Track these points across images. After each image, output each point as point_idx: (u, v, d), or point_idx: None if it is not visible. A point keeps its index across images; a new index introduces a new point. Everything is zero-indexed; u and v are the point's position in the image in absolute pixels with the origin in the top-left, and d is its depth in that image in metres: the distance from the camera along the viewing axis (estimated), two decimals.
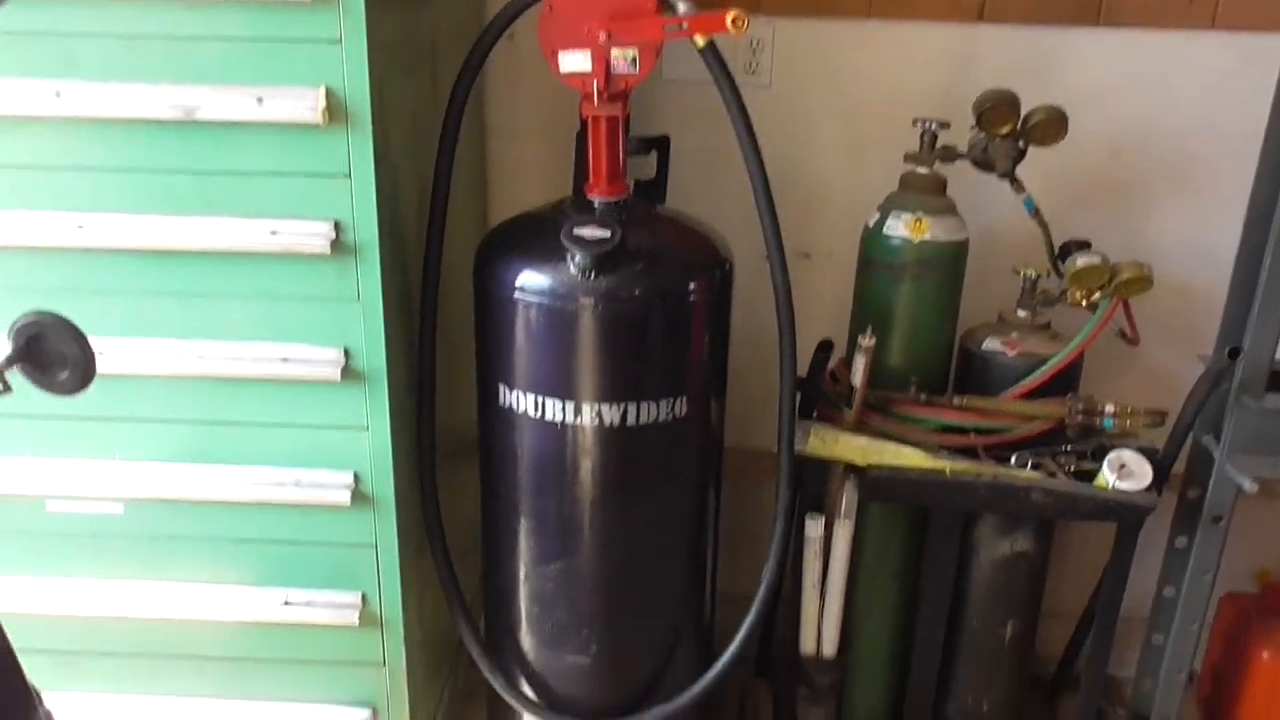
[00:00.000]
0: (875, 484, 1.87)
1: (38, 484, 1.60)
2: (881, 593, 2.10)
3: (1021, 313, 1.97)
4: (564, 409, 1.55)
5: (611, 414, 1.55)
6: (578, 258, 1.49)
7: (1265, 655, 2.10)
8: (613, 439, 1.57)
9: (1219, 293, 1.89)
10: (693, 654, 1.80)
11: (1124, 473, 1.81)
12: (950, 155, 1.89)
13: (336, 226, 1.46)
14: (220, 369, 1.54)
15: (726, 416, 1.78)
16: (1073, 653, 2.31)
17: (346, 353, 1.53)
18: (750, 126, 1.58)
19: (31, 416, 1.59)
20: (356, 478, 1.59)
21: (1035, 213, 1.87)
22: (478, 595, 2.00)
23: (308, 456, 1.59)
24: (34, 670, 1.08)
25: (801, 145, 2.14)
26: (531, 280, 1.53)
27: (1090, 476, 1.85)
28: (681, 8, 1.49)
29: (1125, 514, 1.85)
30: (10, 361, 1.04)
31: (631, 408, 1.55)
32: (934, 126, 1.86)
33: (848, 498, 1.92)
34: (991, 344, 1.95)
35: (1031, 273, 1.93)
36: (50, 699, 1.11)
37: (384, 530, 1.62)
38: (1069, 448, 1.88)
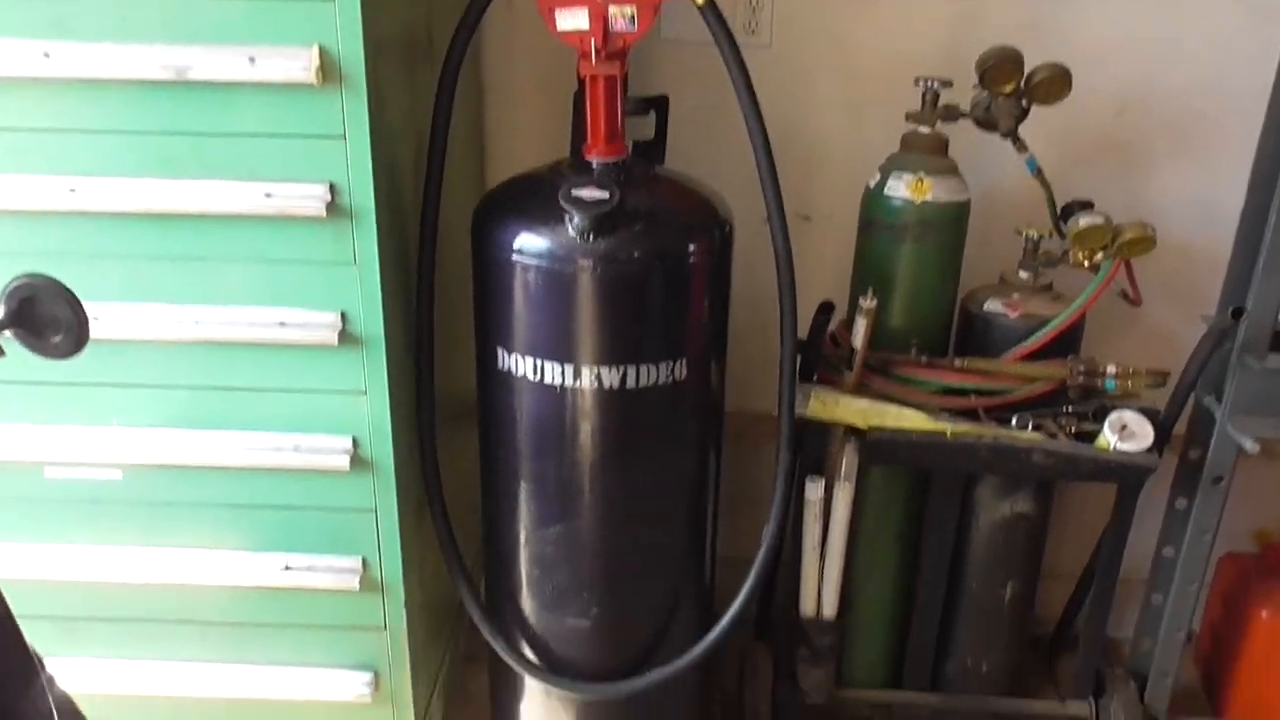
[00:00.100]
0: (876, 447, 1.87)
1: (35, 450, 1.60)
2: (881, 555, 2.10)
3: (1023, 274, 1.96)
4: (563, 372, 1.54)
5: (611, 377, 1.54)
6: (576, 219, 1.47)
7: (1264, 614, 2.11)
8: (612, 402, 1.56)
9: (1222, 253, 1.88)
10: (693, 616, 1.81)
11: (1125, 434, 1.81)
12: (952, 114, 1.87)
13: (332, 189, 1.44)
14: (217, 334, 1.52)
15: (726, 380, 1.77)
16: (1072, 613, 2.32)
17: (344, 316, 1.51)
18: (750, 87, 1.56)
19: (27, 382, 1.58)
20: (355, 442, 1.58)
21: (1038, 172, 1.85)
22: (478, 559, 2.00)
23: (306, 421, 1.58)
24: (36, 636, 1.08)
25: (802, 105, 2.12)
26: (529, 242, 1.52)
27: (1091, 438, 1.85)
28: None
29: (1126, 475, 1.85)
30: (2, 325, 1.02)
31: (631, 370, 1.54)
32: (936, 85, 1.84)
33: (848, 460, 1.92)
34: (993, 305, 1.94)
35: (1034, 233, 1.92)
36: (52, 664, 1.11)
37: (383, 495, 1.62)
38: (1070, 409, 1.88)
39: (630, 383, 1.54)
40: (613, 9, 1.50)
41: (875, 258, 1.92)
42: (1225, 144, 2.05)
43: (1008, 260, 1.99)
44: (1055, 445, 1.84)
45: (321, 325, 1.51)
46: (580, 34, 1.52)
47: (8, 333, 1.04)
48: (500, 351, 1.59)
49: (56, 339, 1.03)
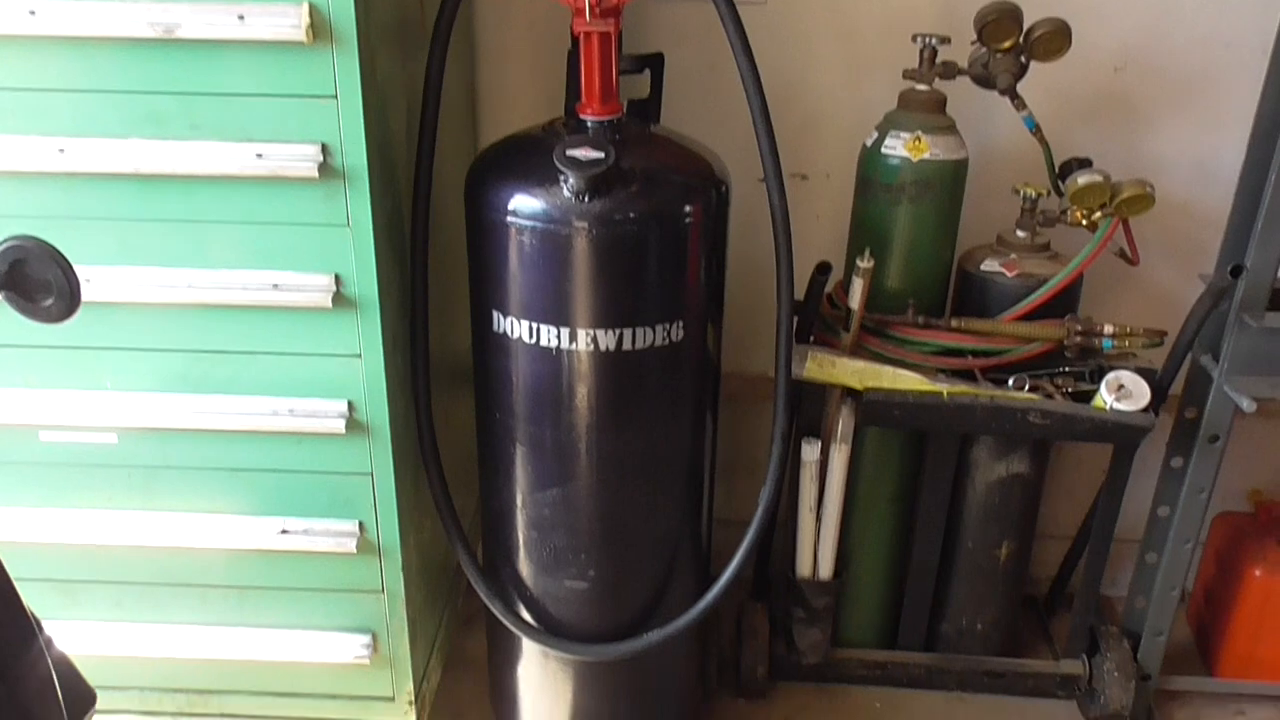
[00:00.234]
0: (872, 408, 1.87)
1: (30, 414, 1.59)
2: (877, 515, 2.11)
3: (1021, 233, 1.95)
4: (559, 335, 1.53)
5: (607, 339, 1.53)
6: (571, 180, 1.46)
7: (1257, 573, 2.12)
8: (609, 364, 1.55)
9: (1221, 211, 1.86)
10: (690, 578, 1.81)
11: (1122, 393, 1.81)
12: (950, 71, 1.85)
13: (324, 149, 1.43)
14: (210, 297, 1.51)
15: (723, 341, 1.76)
16: (1066, 572, 2.33)
17: (337, 279, 1.50)
18: (747, 45, 1.54)
19: (20, 346, 1.57)
20: (351, 406, 1.58)
21: (1036, 130, 1.84)
22: (475, 522, 2.00)
23: (301, 385, 1.58)
24: (35, 599, 1.08)
25: (798, 64, 2.09)
26: (524, 204, 1.50)
27: (1088, 398, 1.85)
28: None
29: (1122, 434, 1.85)
30: None
31: (627, 333, 1.53)
32: (934, 42, 1.82)
33: (844, 421, 1.92)
34: (990, 265, 1.93)
35: (1031, 192, 1.91)
36: (50, 626, 1.11)
37: (380, 458, 1.62)
38: (1067, 369, 1.88)
39: (626, 345, 1.54)
40: None
41: (872, 217, 1.91)
42: (1226, 100, 2.04)
43: (1005, 220, 1.98)
44: (1052, 405, 1.83)
45: (315, 288, 1.50)
46: None
47: None
48: (495, 314, 1.58)
49: (48, 303, 1.02)
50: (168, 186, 1.47)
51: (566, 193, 1.47)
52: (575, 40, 1.57)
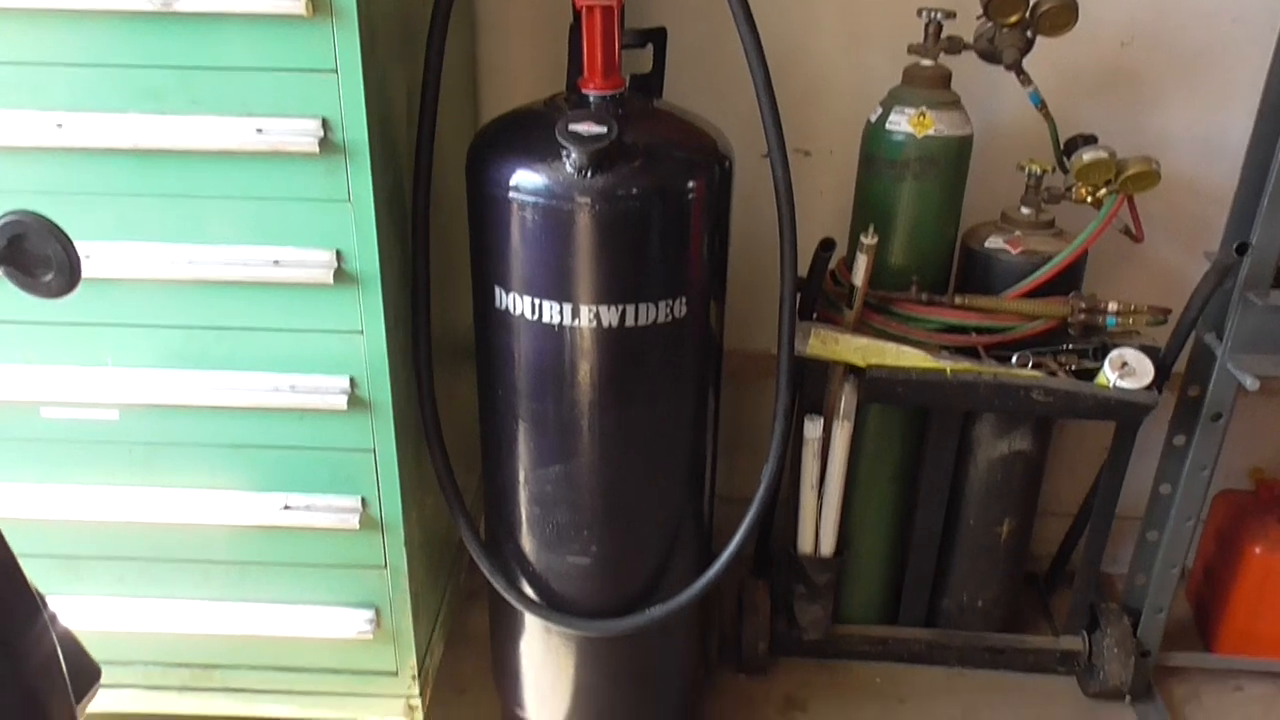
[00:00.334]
0: (875, 385, 1.86)
1: (31, 390, 1.59)
2: (879, 492, 2.11)
3: (1025, 210, 1.94)
4: (561, 311, 1.53)
5: (610, 315, 1.52)
6: (573, 155, 1.45)
7: (1258, 550, 2.13)
8: (611, 341, 1.55)
9: (1227, 188, 1.85)
10: (692, 554, 1.82)
11: (1125, 371, 1.81)
12: (956, 46, 1.83)
13: (324, 124, 1.41)
14: (211, 273, 1.51)
15: (726, 318, 1.75)
16: (1067, 549, 2.34)
17: (339, 255, 1.49)
18: (751, 18, 1.52)
19: (21, 322, 1.56)
20: (353, 382, 1.57)
21: (1041, 106, 1.83)
22: (478, 498, 2.01)
23: (303, 361, 1.57)
24: (38, 575, 1.07)
25: (802, 38, 2.07)
26: (526, 179, 1.49)
27: (1091, 375, 1.85)
28: None
29: (1125, 412, 1.85)
30: None
31: (630, 309, 1.53)
32: (939, 16, 1.80)
33: (847, 399, 1.92)
34: (994, 242, 1.92)
35: (1036, 168, 1.90)
36: (55, 602, 1.11)
37: (382, 434, 1.62)
38: (1070, 346, 1.88)
39: (629, 321, 1.53)
40: None
41: (876, 194, 1.90)
42: (1233, 76, 2.02)
43: (1010, 197, 1.97)
44: (1055, 383, 1.83)
45: (316, 264, 1.49)
46: None
47: None
48: (498, 290, 1.58)
49: (48, 278, 1.01)
50: (167, 162, 1.46)
51: (569, 168, 1.46)
52: (577, 14, 1.55)
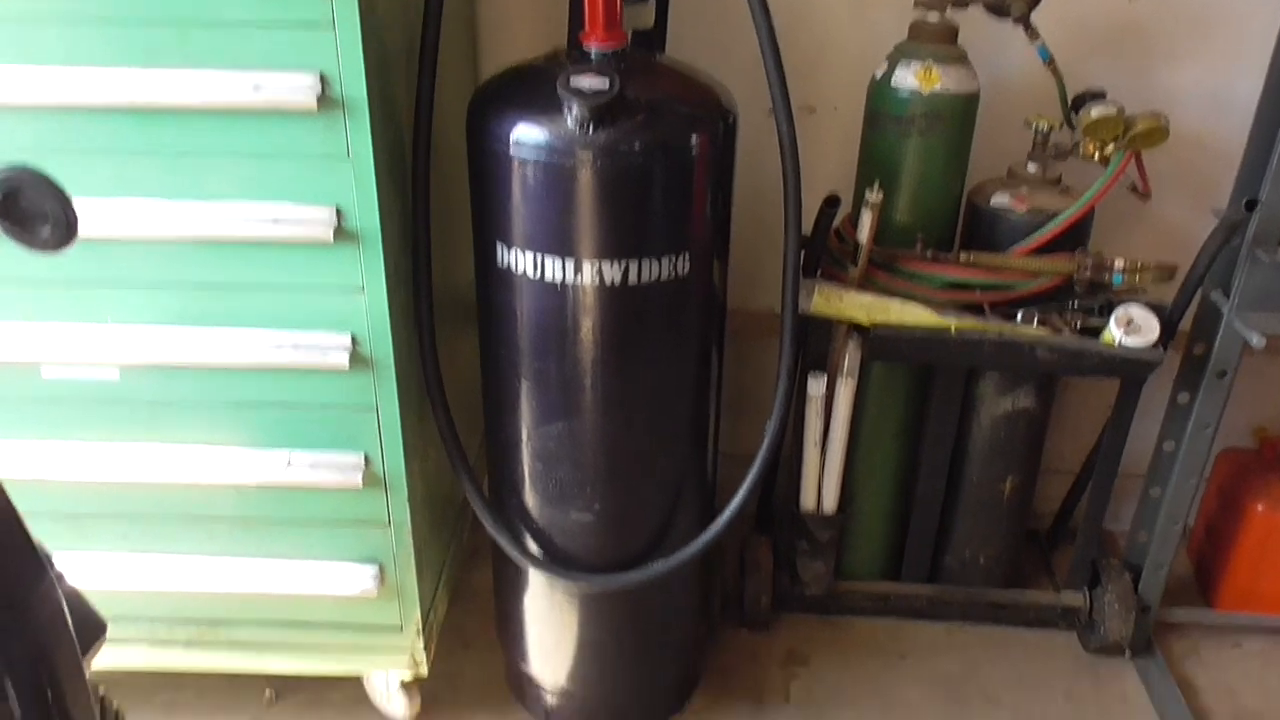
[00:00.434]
0: (879, 342, 1.86)
1: (32, 350, 1.58)
2: (882, 450, 2.11)
3: (1032, 167, 1.92)
4: (563, 268, 1.52)
5: (612, 272, 1.51)
6: (575, 110, 1.43)
7: (1260, 508, 2.13)
8: (614, 298, 1.54)
9: (1236, 145, 1.83)
10: (695, 511, 1.82)
11: (1131, 328, 1.80)
12: (962, 0, 1.80)
13: (322, 80, 1.40)
14: (210, 230, 1.49)
15: (729, 276, 1.75)
16: (1069, 507, 2.35)
17: (338, 212, 1.48)
18: None
19: (20, 281, 1.56)
20: (354, 339, 1.57)
21: (1049, 61, 1.80)
22: (481, 456, 2.01)
23: (304, 319, 1.57)
24: (43, 533, 1.08)
25: None
26: (527, 134, 1.48)
27: (1097, 333, 1.84)
28: None
29: (1130, 370, 1.85)
30: None
31: (633, 266, 1.52)
32: None
33: (850, 356, 1.91)
34: (1000, 199, 1.90)
35: (1043, 125, 1.88)
36: (60, 560, 1.12)
37: (384, 391, 1.61)
38: (1076, 304, 1.87)
39: (632, 278, 1.52)
40: None
41: (881, 150, 1.88)
42: (1243, 31, 1.99)
43: (1016, 153, 1.95)
44: (1060, 340, 1.83)
45: (316, 221, 1.48)
46: None
47: None
48: (499, 247, 1.57)
49: (44, 232, 1.00)
50: (164, 119, 1.44)
51: (570, 123, 1.44)
52: None
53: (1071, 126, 1.85)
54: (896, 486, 2.16)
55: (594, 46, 1.54)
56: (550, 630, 1.88)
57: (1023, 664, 2.15)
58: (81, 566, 1.73)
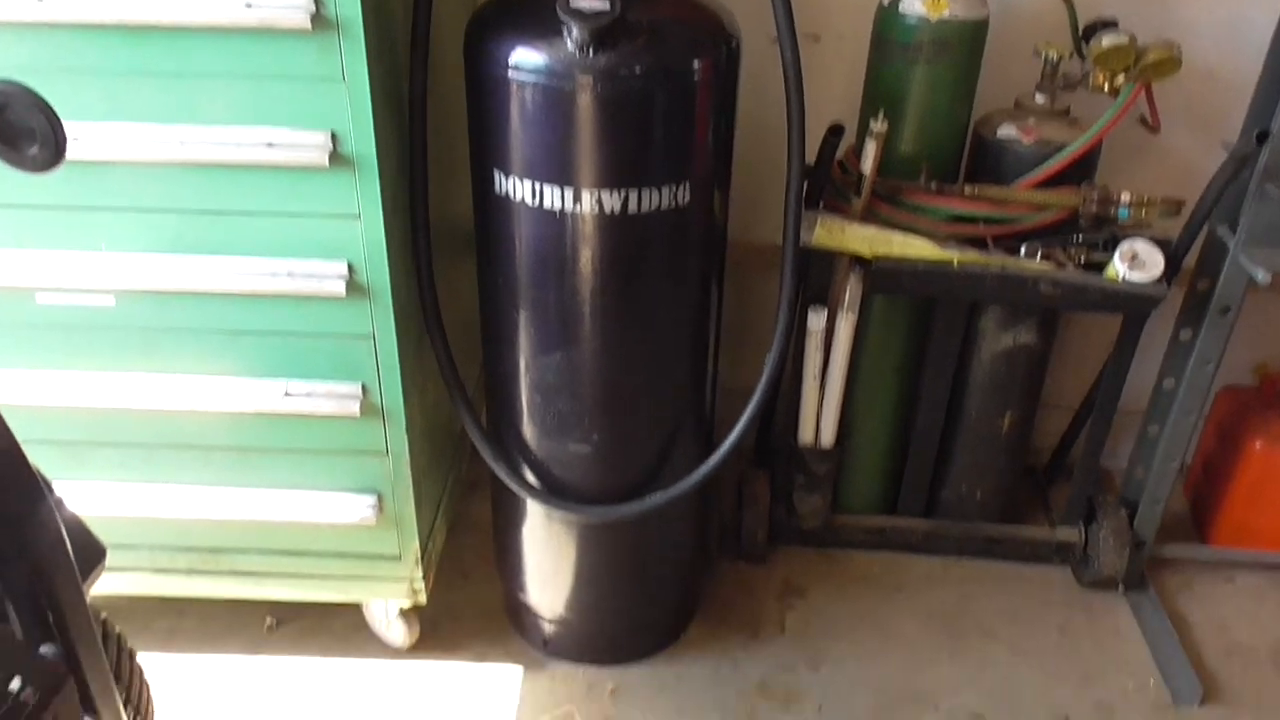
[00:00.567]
0: (881, 276, 1.84)
1: (26, 276, 1.56)
2: (881, 384, 2.11)
3: (1040, 97, 1.89)
4: (563, 196, 1.49)
5: (612, 201, 1.49)
6: (575, 32, 1.40)
7: (1258, 445, 2.14)
8: (613, 227, 1.52)
9: (1248, 78, 1.80)
10: (693, 443, 1.82)
11: (1135, 263, 1.78)
12: None
13: None
14: (203, 154, 1.47)
15: (730, 207, 1.72)
16: (1068, 443, 2.35)
17: (333, 136, 1.45)
18: None
19: (12, 206, 1.53)
20: (350, 267, 1.55)
21: None
22: (479, 387, 2.00)
23: (300, 246, 1.55)
24: (42, 461, 1.07)
25: None
26: (526, 58, 1.44)
27: (1101, 267, 1.82)
28: None
29: (1133, 305, 1.83)
30: None
31: (633, 194, 1.49)
32: None
33: (852, 290, 1.90)
34: (1007, 130, 1.87)
35: (1053, 54, 1.84)
36: (60, 487, 1.11)
37: (381, 320, 1.60)
38: (1081, 238, 1.85)
39: (632, 207, 1.50)
40: None
41: (887, 79, 1.84)
42: None
43: (1024, 84, 1.91)
44: (1063, 275, 1.81)
45: (311, 145, 1.46)
46: None
47: None
48: (497, 174, 1.54)
49: (33, 150, 0.98)
50: (155, 38, 1.41)
51: (570, 46, 1.41)
52: None
53: (1082, 56, 1.81)
54: (895, 421, 2.16)
55: None
56: (548, 560, 1.90)
57: (1017, 598, 2.17)
58: (81, 494, 1.73)
